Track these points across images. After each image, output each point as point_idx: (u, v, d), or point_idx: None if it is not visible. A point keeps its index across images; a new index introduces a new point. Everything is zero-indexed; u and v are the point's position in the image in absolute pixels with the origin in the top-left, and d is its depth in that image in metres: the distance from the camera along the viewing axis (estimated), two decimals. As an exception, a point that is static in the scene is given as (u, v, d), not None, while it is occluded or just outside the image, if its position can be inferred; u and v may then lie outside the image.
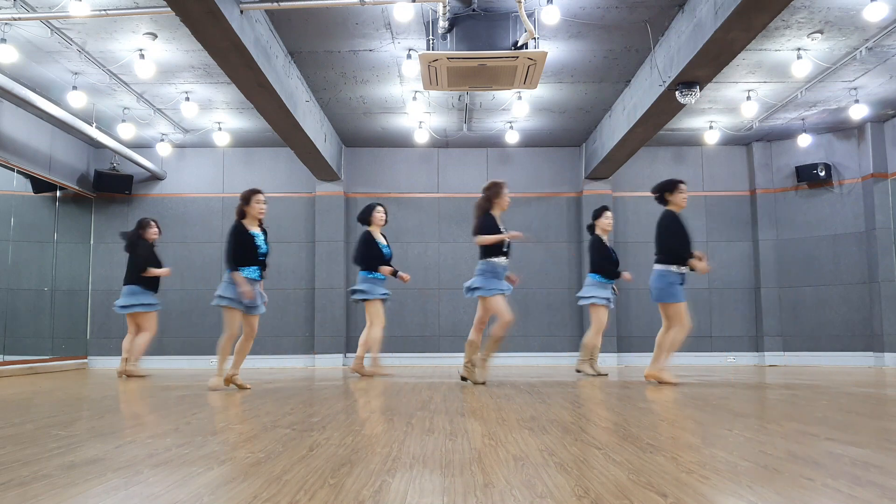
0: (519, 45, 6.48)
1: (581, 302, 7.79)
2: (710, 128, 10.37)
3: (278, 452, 2.69)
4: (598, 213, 7.73)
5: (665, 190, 6.38)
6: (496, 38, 6.53)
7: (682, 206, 6.34)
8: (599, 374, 7.68)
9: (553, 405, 4.43)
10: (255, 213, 5.93)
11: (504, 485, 2.11)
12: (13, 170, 9.25)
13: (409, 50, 7.62)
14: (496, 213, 6.43)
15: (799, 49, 7.58)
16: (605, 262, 7.57)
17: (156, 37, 7.21)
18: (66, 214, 10.66)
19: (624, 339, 10.96)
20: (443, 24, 6.50)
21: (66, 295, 10.61)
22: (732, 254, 11.33)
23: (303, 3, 6.34)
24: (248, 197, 5.95)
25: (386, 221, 7.93)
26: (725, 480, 2.16)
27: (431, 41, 6.74)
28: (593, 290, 7.57)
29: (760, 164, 11.25)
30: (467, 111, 9.73)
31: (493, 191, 6.42)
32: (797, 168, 10.89)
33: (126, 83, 8.45)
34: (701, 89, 7.25)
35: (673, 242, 6.17)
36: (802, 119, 10.14)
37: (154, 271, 8.07)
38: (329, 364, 10.77)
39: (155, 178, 11.26)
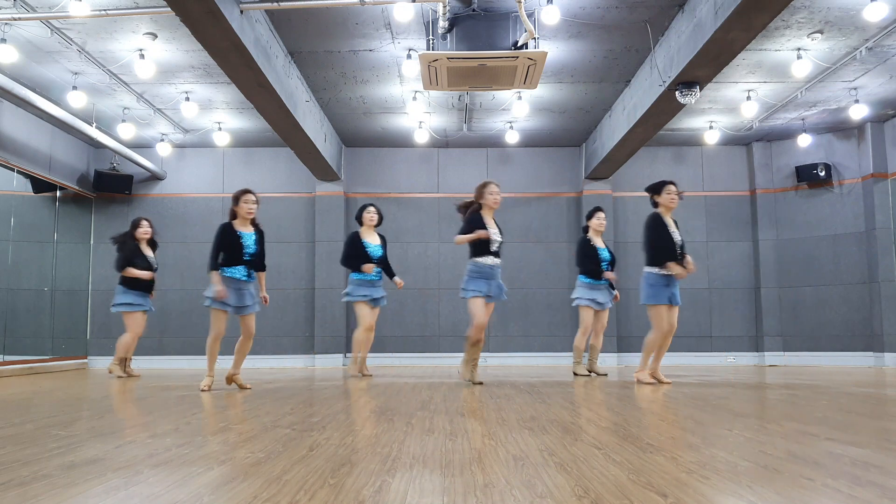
0: (519, 45, 6.48)
1: (573, 303, 7.81)
2: (710, 128, 10.38)
3: (278, 452, 2.69)
4: (590, 214, 7.72)
5: (653, 192, 6.42)
6: (496, 38, 6.53)
7: (670, 206, 6.33)
8: (591, 374, 7.65)
9: (553, 405, 4.43)
10: (244, 213, 5.92)
11: (504, 485, 2.11)
12: (13, 170, 9.25)
13: (409, 50, 7.62)
14: (486, 212, 6.33)
15: (799, 49, 7.58)
16: (588, 263, 7.53)
17: (156, 37, 7.21)
18: (66, 214, 10.66)
19: (624, 339, 10.96)
20: (443, 24, 6.50)
21: (66, 295, 10.61)
22: (732, 254, 11.33)
23: (303, 3, 6.34)
24: (237, 197, 5.96)
25: (379, 222, 7.84)
26: (725, 480, 2.16)
27: (431, 41, 6.74)
28: (579, 290, 7.57)
29: (760, 164, 11.26)
30: (467, 111, 9.73)
31: (478, 190, 6.36)
32: (797, 168, 10.89)
33: (126, 83, 8.45)
34: (701, 89, 7.25)
35: (651, 244, 6.23)
36: (802, 119, 10.15)
37: (132, 272, 7.89)
38: (329, 364, 10.77)
39: (155, 178, 11.26)
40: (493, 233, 6.23)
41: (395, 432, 3.23)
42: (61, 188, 10.35)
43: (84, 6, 6.19)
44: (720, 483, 2.12)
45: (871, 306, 10.33)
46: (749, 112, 9.31)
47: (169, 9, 5.75)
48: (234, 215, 5.96)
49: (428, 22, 6.80)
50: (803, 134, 10.49)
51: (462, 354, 6.78)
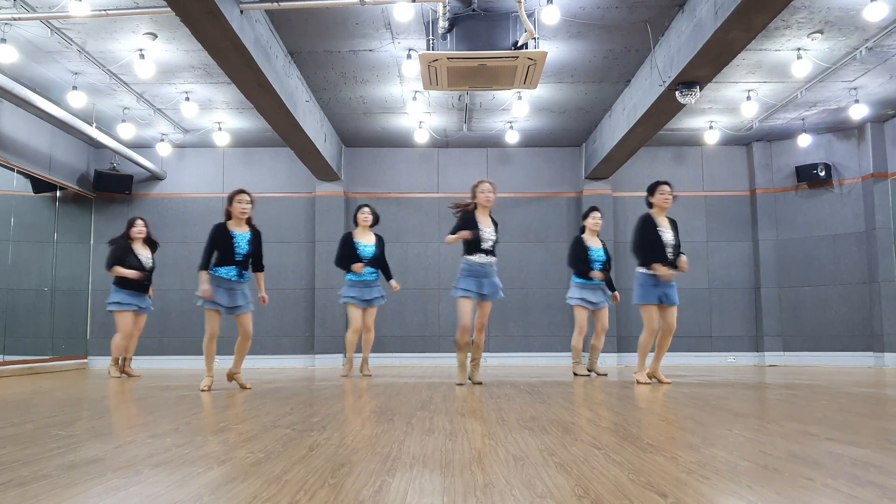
0: (519, 45, 6.47)
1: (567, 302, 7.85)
2: (710, 128, 10.38)
3: (278, 452, 2.69)
4: (586, 214, 7.73)
5: (648, 192, 6.46)
6: (496, 38, 6.53)
7: (664, 206, 6.35)
8: (591, 374, 7.63)
9: (553, 405, 4.43)
10: (237, 213, 5.91)
11: (504, 485, 2.11)
12: (13, 170, 9.25)
13: (409, 50, 7.62)
14: (481, 211, 6.32)
15: (799, 49, 7.58)
16: (577, 262, 7.53)
17: (156, 37, 7.21)
18: (66, 214, 10.66)
19: (624, 339, 10.96)
20: (443, 24, 6.50)
21: (66, 295, 10.61)
22: (732, 254, 11.33)
23: (303, 3, 6.34)
24: (231, 197, 5.97)
25: (374, 222, 7.82)
26: (725, 480, 2.16)
27: (431, 41, 6.74)
28: (572, 290, 7.60)
29: (760, 164, 11.26)
30: (467, 111, 9.73)
31: (472, 190, 6.39)
32: (797, 168, 10.89)
33: (126, 83, 8.45)
34: (701, 89, 7.25)
35: (637, 245, 6.32)
36: (802, 119, 10.15)
37: (118, 270, 7.87)
38: (329, 364, 10.77)
39: (155, 178, 11.26)
40: (486, 231, 6.22)
41: (395, 432, 3.23)
42: (61, 188, 10.35)
43: (84, 6, 6.19)
44: (720, 483, 2.12)
45: (871, 306, 10.32)
46: (749, 112, 9.31)
47: (169, 9, 5.75)
48: (229, 215, 5.97)
49: (428, 22, 6.80)
50: (803, 134, 10.49)
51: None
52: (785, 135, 10.88)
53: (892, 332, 9.98)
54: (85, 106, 8.75)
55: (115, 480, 2.21)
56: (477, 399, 4.91)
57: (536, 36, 6.52)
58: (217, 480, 2.20)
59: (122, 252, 7.97)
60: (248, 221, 6.02)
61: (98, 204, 11.20)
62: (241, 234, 5.93)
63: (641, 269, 6.31)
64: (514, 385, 6.27)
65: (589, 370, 7.73)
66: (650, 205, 6.42)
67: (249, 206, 5.94)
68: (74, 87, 8.31)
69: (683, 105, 7.58)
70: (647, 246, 6.25)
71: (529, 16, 6.29)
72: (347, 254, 7.66)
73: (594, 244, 7.55)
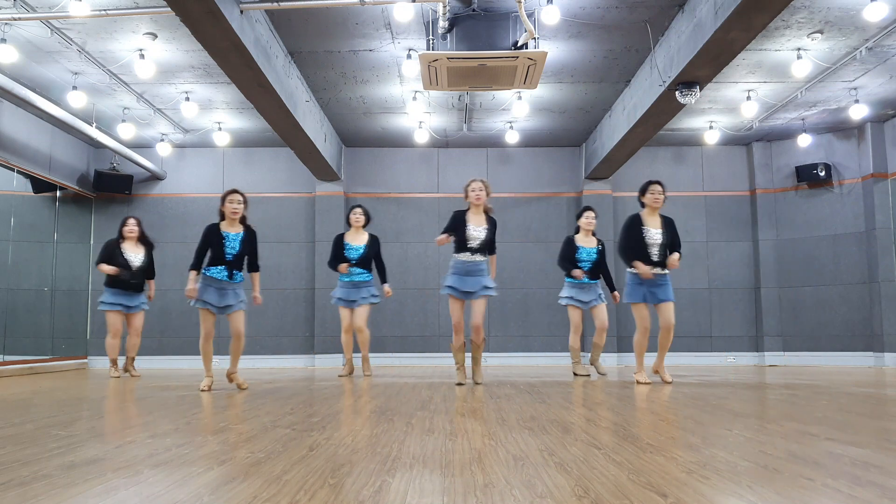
0: (519, 45, 6.47)
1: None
2: (710, 128, 10.38)
3: (278, 452, 2.69)
4: (579, 213, 7.74)
5: (639, 192, 6.50)
6: (496, 38, 6.53)
7: (654, 206, 6.37)
8: (588, 375, 7.63)
9: (553, 405, 4.43)
10: (229, 213, 5.92)
11: (504, 485, 2.11)
12: (13, 170, 9.25)
13: (409, 50, 7.62)
14: (473, 210, 6.34)
15: (799, 49, 7.58)
16: (562, 261, 7.58)
17: (156, 37, 7.21)
18: (66, 214, 10.66)
19: (624, 339, 10.95)
20: (443, 24, 6.50)
21: (66, 295, 10.61)
22: (732, 254, 11.33)
23: (303, 3, 6.34)
24: (223, 197, 5.98)
25: (366, 223, 7.81)
26: (725, 480, 2.16)
27: (431, 41, 6.74)
28: (564, 290, 7.63)
29: (760, 164, 11.26)
30: (467, 111, 9.73)
31: (464, 189, 6.44)
32: (797, 168, 10.89)
33: (126, 83, 8.45)
34: (701, 89, 7.25)
35: (620, 244, 6.44)
36: (802, 119, 10.15)
37: (102, 268, 7.96)
38: (329, 364, 10.77)
39: (155, 178, 11.26)
40: (473, 231, 6.25)
41: (395, 432, 3.23)
42: (61, 188, 10.35)
43: (84, 6, 6.19)
44: (720, 483, 2.12)
45: (871, 306, 10.33)
46: (749, 112, 9.31)
47: (169, 9, 5.75)
48: (222, 216, 5.97)
49: (428, 22, 6.80)
50: (803, 134, 10.49)
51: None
52: (785, 135, 10.88)
53: (892, 332, 9.98)
54: (85, 106, 8.75)
55: (115, 480, 2.21)
56: (477, 399, 4.91)
57: (536, 36, 6.52)
58: (217, 480, 2.20)
59: (109, 251, 8.03)
60: (243, 221, 6.01)
61: (98, 204, 11.20)
62: (233, 234, 5.93)
63: (629, 269, 6.39)
64: (514, 385, 6.27)
65: (591, 364, 7.74)
66: (642, 204, 6.45)
67: (241, 205, 5.93)
68: (74, 87, 8.31)
69: (683, 105, 7.58)
70: (629, 245, 6.34)
71: (529, 16, 6.29)
72: (336, 254, 7.71)
73: (588, 244, 7.55)
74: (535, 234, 11.33)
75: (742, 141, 11.17)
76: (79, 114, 9.07)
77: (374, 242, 7.81)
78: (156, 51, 7.53)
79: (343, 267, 7.59)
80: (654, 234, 6.31)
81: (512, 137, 10.55)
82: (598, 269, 7.54)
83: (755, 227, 11.25)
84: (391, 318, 11.11)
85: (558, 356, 10.83)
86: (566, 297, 7.55)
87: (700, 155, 11.49)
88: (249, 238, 6.01)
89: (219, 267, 5.86)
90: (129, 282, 8.01)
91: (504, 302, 11.05)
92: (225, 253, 5.86)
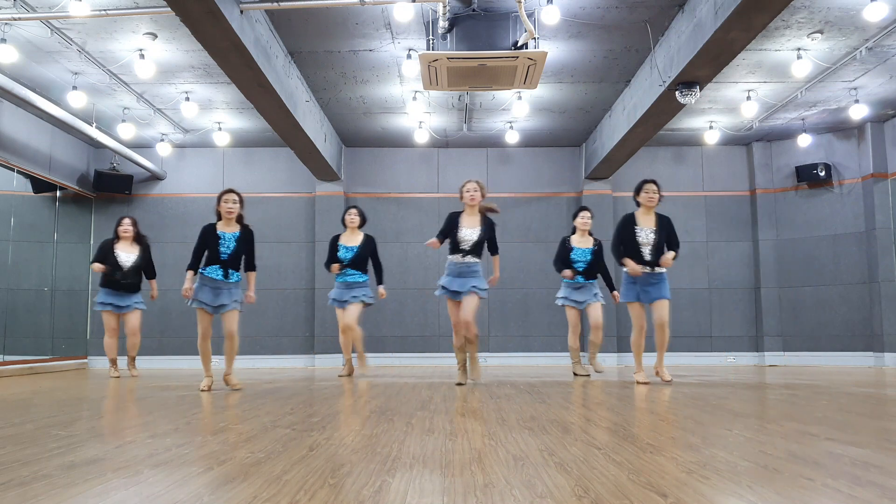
0: (519, 45, 6.47)
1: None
2: (710, 128, 10.38)
3: (278, 452, 2.69)
4: (575, 214, 7.76)
5: (634, 192, 6.52)
6: (496, 38, 6.53)
7: (648, 205, 6.37)
8: (587, 375, 7.64)
9: (553, 405, 4.43)
10: (224, 213, 5.94)
11: (504, 485, 2.11)
12: (13, 170, 9.25)
13: (409, 50, 7.62)
14: (467, 211, 6.34)
15: (799, 49, 7.58)
16: (555, 262, 7.63)
17: (156, 37, 7.21)
18: (66, 214, 10.66)
19: (624, 339, 10.95)
20: (443, 24, 6.50)
21: (66, 295, 10.61)
22: (732, 254, 11.33)
23: (303, 3, 6.34)
24: (218, 197, 5.99)
25: (361, 223, 7.79)
26: (725, 480, 2.16)
27: (431, 41, 6.74)
28: (560, 290, 7.69)
29: (760, 164, 11.26)
30: (467, 111, 9.73)
31: (459, 190, 6.45)
32: (797, 168, 10.89)
33: (126, 83, 8.45)
34: (701, 89, 7.25)
35: (612, 243, 6.51)
36: (802, 119, 10.15)
37: (93, 266, 8.00)
38: (329, 364, 10.76)
39: (155, 178, 11.26)
40: (465, 232, 6.26)
41: (395, 432, 3.23)
42: (61, 188, 10.35)
43: (84, 6, 6.19)
44: (720, 483, 2.12)
45: (871, 306, 10.33)
46: (749, 112, 9.32)
47: (169, 9, 5.75)
48: (219, 216, 5.99)
49: (428, 22, 6.79)
50: (803, 134, 10.49)
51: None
52: (785, 135, 10.88)
53: (892, 332, 9.98)
54: (85, 106, 8.75)
55: (115, 480, 2.21)
56: (477, 399, 4.91)
57: (536, 36, 6.52)
58: (217, 480, 2.20)
59: (103, 251, 8.04)
60: (240, 221, 6.01)
61: (98, 204, 11.20)
62: (229, 233, 5.94)
63: (624, 269, 6.43)
64: (514, 385, 6.27)
65: (589, 363, 7.75)
66: (637, 204, 6.46)
67: (237, 205, 5.93)
68: (74, 87, 8.31)
69: (683, 105, 7.58)
70: (619, 244, 6.41)
71: (529, 16, 6.29)
72: (331, 256, 7.73)
73: (583, 244, 7.55)
74: (535, 234, 11.33)
75: (742, 141, 11.17)
76: (79, 114, 9.07)
77: (368, 243, 7.75)
78: (156, 51, 7.53)
79: (334, 268, 7.62)
80: (646, 233, 6.32)
81: (512, 137, 10.55)
82: (594, 268, 7.54)
83: (755, 227, 11.25)
84: (391, 318, 11.11)
85: (558, 356, 10.83)
86: (562, 298, 7.62)
87: (700, 155, 11.49)
88: (245, 237, 6.00)
89: (214, 266, 5.87)
90: (120, 282, 7.95)
91: (504, 302, 11.05)
92: (220, 252, 5.87)
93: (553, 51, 7.61)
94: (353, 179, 11.47)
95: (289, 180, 11.37)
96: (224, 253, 5.88)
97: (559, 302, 7.64)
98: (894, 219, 10.15)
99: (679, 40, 6.91)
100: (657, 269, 6.33)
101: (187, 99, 8.96)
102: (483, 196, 6.36)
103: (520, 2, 5.94)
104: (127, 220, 8.17)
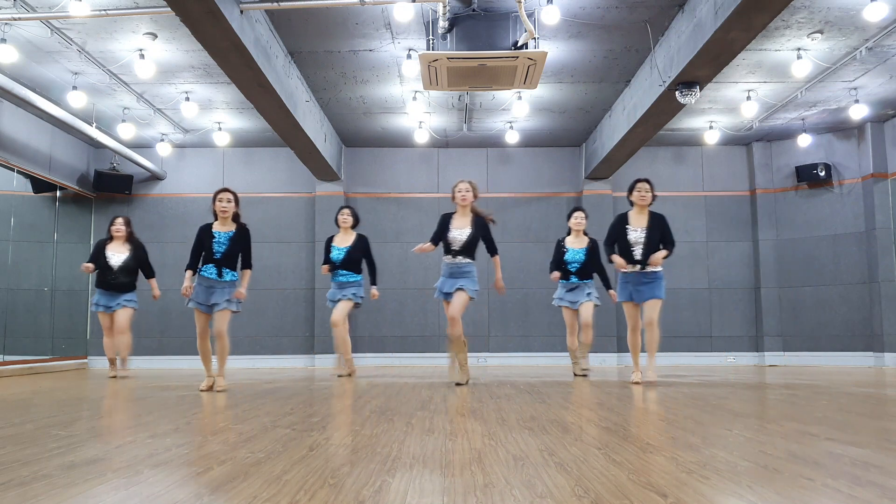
0: (519, 45, 6.47)
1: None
2: (710, 128, 10.38)
3: (278, 452, 2.69)
4: (569, 215, 7.78)
5: (627, 191, 6.52)
6: (496, 38, 6.53)
7: (640, 204, 6.36)
8: (579, 374, 7.65)
9: (553, 405, 4.43)
10: (218, 212, 5.95)
11: (504, 485, 2.11)
12: (13, 170, 9.25)
13: (409, 50, 7.62)
14: (460, 212, 6.33)
15: (799, 49, 7.58)
16: (551, 264, 7.70)
17: (156, 37, 7.21)
18: (66, 214, 10.66)
19: (624, 339, 10.94)
20: (443, 24, 6.50)
21: (66, 295, 10.61)
22: (732, 254, 11.33)
23: (303, 3, 6.34)
24: (214, 196, 6.00)
25: (354, 224, 7.79)
26: (725, 480, 2.16)
27: (431, 41, 6.74)
28: (556, 291, 7.74)
29: (760, 164, 11.26)
30: (467, 111, 9.73)
31: (451, 190, 6.44)
32: (797, 168, 10.89)
33: (126, 83, 8.45)
34: (701, 89, 7.25)
35: (605, 242, 6.56)
36: (802, 119, 10.15)
37: (82, 266, 7.95)
38: (329, 364, 10.75)
39: (155, 178, 11.26)
40: (456, 234, 6.24)
41: (395, 432, 3.23)
42: (61, 188, 10.34)
43: (84, 6, 6.19)
44: (720, 483, 2.12)
45: (871, 306, 10.33)
46: (749, 112, 9.31)
47: (169, 9, 5.75)
48: (216, 215, 6.00)
49: (428, 22, 6.79)
50: (803, 134, 10.49)
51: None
52: (785, 135, 10.88)
53: (892, 332, 9.98)
54: (85, 106, 8.75)
55: (115, 480, 2.21)
56: (477, 399, 4.91)
57: (536, 36, 6.52)
58: (217, 480, 2.20)
59: (95, 250, 8.02)
60: (237, 220, 6.01)
61: (98, 204, 11.20)
62: (223, 232, 5.95)
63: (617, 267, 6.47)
64: (514, 385, 6.27)
65: (587, 368, 7.75)
66: (631, 203, 6.45)
67: (230, 204, 5.94)
68: (74, 87, 8.31)
69: (683, 105, 7.58)
70: (609, 243, 6.46)
71: (529, 16, 6.29)
72: (324, 256, 7.75)
73: (578, 245, 7.58)
74: (535, 234, 11.33)
75: (742, 141, 11.17)
76: (79, 114, 9.07)
77: (359, 243, 7.73)
78: (156, 51, 7.53)
79: (324, 269, 7.69)
80: (637, 232, 6.30)
81: (512, 137, 10.55)
82: (589, 268, 7.53)
83: (755, 227, 11.25)
84: (391, 318, 11.11)
85: (558, 356, 10.82)
86: (557, 299, 7.69)
87: (700, 155, 11.49)
88: (240, 236, 5.98)
89: (209, 265, 5.91)
90: (110, 281, 7.91)
91: (504, 302, 11.05)
92: (214, 251, 5.89)
93: (553, 51, 7.61)
94: (353, 179, 11.47)
95: (289, 180, 11.37)
96: (217, 252, 5.89)
97: (555, 303, 7.71)
98: (894, 219, 10.15)
99: (679, 40, 6.91)
100: (649, 269, 6.29)
101: (187, 99, 8.96)
102: (475, 196, 6.33)
103: (520, 2, 5.94)
104: (119, 220, 8.09)
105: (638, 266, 6.27)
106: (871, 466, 2.34)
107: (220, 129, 10.30)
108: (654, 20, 7.07)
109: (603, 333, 10.99)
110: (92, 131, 9.26)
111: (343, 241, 7.72)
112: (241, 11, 6.07)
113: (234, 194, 6.00)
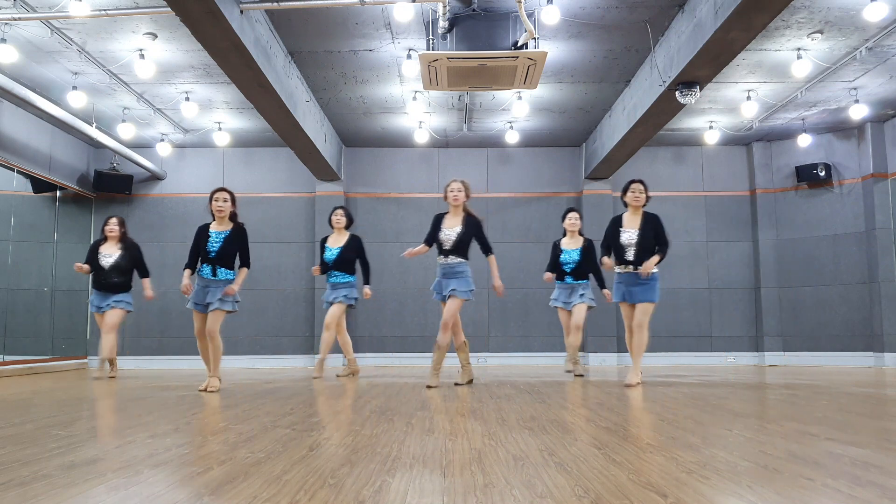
0: (519, 45, 6.47)
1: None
2: (710, 128, 10.38)
3: (278, 452, 2.69)
4: (563, 216, 7.79)
5: (622, 192, 6.49)
6: (496, 38, 6.53)
7: (634, 205, 6.34)
8: (571, 372, 7.69)
9: (553, 405, 4.43)
10: (214, 211, 5.97)
11: (504, 485, 2.11)
12: (13, 170, 9.25)
13: (409, 50, 7.62)
14: (452, 211, 6.30)
15: (799, 49, 7.58)
16: (547, 265, 7.73)
17: (156, 37, 7.21)
18: (66, 214, 10.65)
19: (623, 339, 10.95)
20: (443, 24, 6.50)
21: (66, 295, 10.61)
22: (732, 254, 11.33)
23: (303, 3, 6.34)
24: (210, 196, 6.02)
25: (348, 224, 7.78)
26: (725, 480, 2.16)
27: (431, 41, 6.74)
28: (553, 292, 7.75)
29: (760, 164, 11.26)
30: (467, 111, 9.73)
31: (443, 190, 6.42)
32: (797, 168, 10.89)
33: (126, 83, 8.45)
34: (701, 89, 7.25)
35: (601, 244, 6.59)
36: (802, 119, 10.15)
37: (77, 265, 7.87)
38: (329, 364, 10.75)
39: (155, 178, 11.26)
40: (446, 233, 6.21)
41: (395, 432, 3.23)
42: (61, 188, 10.34)
43: (84, 6, 6.19)
44: (720, 483, 2.12)
45: (871, 306, 10.32)
46: (749, 112, 9.31)
47: (169, 9, 5.75)
48: (213, 215, 6.02)
49: (428, 22, 6.79)
50: (803, 134, 10.49)
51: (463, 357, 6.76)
52: (785, 135, 10.88)
53: (892, 332, 9.98)
54: (85, 106, 8.74)
55: (115, 480, 2.21)
56: (477, 399, 4.91)
57: (536, 36, 6.52)
58: (217, 480, 2.20)
59: (90, 251, 8.00)
60: (234, 219, 6.02)
61: (98, 204, 11.19)
62: (218, 231, 5.97)
63: (615, 268, 6.48)
64: (514, 385, 6.27)
65: (571, 369, 7.77)
66: (625, 204, 6.43)
67: (227, 203, 5.95)
68: (74, 87, 8.31)
69: (683, 105, 7.58)
70: (603, 246, 6.50)
71: (529, 16, 6.29)
72: (320, 257, 7.77)
73: (572, 245, 7.60)
74: (535, 234, 11.33)
75: (742, 141, 11.17)
76: (79, 114, 9.07)
77: (352, 244, 7.70)
78: (156, 51, 7.53)
79: (314, 270, 7.71)
80: (630, 234, 6.28)
81: (512, 137, 10.55)
82: (584, 268, 7.53)
83: (755, 227, 11.25)
84: (391, 318, 11.11)
85: (558, 356, 10.82)
86: (553, 300, 7.73)
87: (700, 155, 11.49)
88: (235, 235, 5.97)
89: (205, 265, 5.94)
90: (101, 281, 7.85)
91: (504, 302, 11.05)
92: (208, 251, 5.91)
93: (553, 51, 7.61)
94: (353, 179, 11.47)
95: (289, 180, 11.37)
96: (212, 251, 5.90)
97: (551, 304, 7.76)
98: (894, 219, 10.15)
99: (679, 40, 6.91)
100: (637, 270, 6.26)
101: (187, 99, 8.96)
102: (467, 196, 6.28)
103: (520, 2, 5.93)
104: (113, 220, 8.02)
105: (630, 266, 6.25)
106: (871, 466, 2.34)
107: (220, 129, 10.30)
108: (654, 20, 7.07)
109: (603, 333, 11.00)
110: (92, 131, 9.26)
111: (336, 242, 7.72)
112: (241, 11, 6.07)
113: (231, 194, 6.01)
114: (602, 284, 7.73)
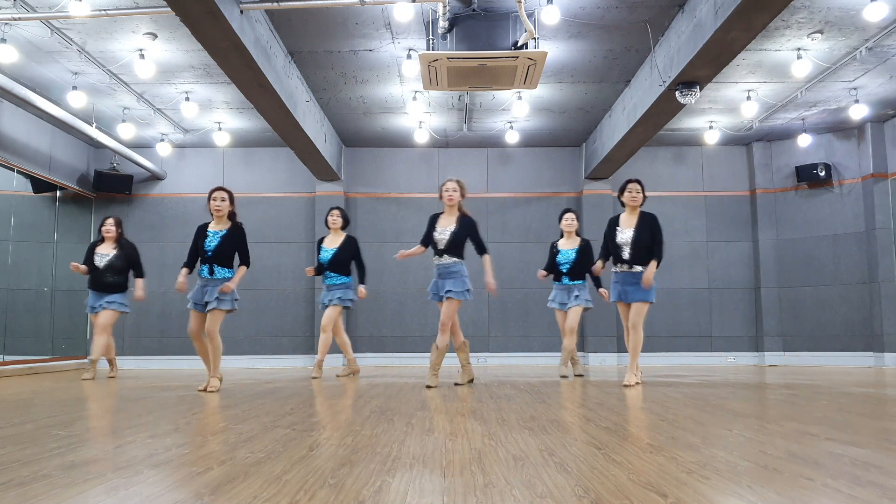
0: (519, 45, 6.47)
1: None
2: (710, 128, 10.38)
3: (278, 452, 2.69)
4: (559, 217, 7.79)
5: (618, 192, 6.49)
6: (496, 38, 6.53)
7: (631, 205, 6.34)
8: (581, 375, 7.70)
9: (553, 405, 4.43)
10: (212, 211, 5.98)
11: (504, 485, 2.11)
12: (13, 170, 9.25)
13: (409, 50, 7.62)
14: (447, 211, 6.29)
15: (799, 49, 7.58)
16: (546, 266, 7.74)
17: (156, 37, 7.21)
18: (66, 214, 10.65)
19: (622, 339, 10.95)
20: (443, 24, 6.50)
21: (66, 295, 10.61)
22: (732, 254, 11.33)
23: (303, 3, 6.34)
24: (208, 195, 6.03)
25: (344, 225, 7.78)
26: (725, 480, 2.16)
27: (431, 41, 6.74)
28: (551, 293, 7.75)
29: (760, 164, 11.26)
30: (467, 111, 9.73)
31: (439, 190, 6.42)
32: (797, 168, 10.89)
33: (126, 83, 8.45)
34: (701, 89, 7.25)
35: (601, 246, 6.64)
36: (802, 119, 10.15)
37: (73, 265, 7.84)
38: (329, 364, 10.75)
39: (155, 178, 11.26)
40: (440, 233, 6.21)
41: (395, 432, 3.23)
42: (61, 188, 10.34)
43: (84, 6, 6.19)
44: (720, 483, 2.12)
45: (871, 306, 10.32)
46: (749, 112, 9.31)
47: (169, 9, 5.75)
48: (212, 214, 6.04)
49: (428, 22, 6.79)
50: (803, 134, 10.49)
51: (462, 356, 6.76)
52: (785, 135, 10.88)
53: (892, 332, 9.98)
54: (85, 106, 8.74)
55: (115, 480, 2.21)
56: (477, 399, 4.91)
57: (536, 36, 6.52)
58: (217, 480, 2.20)
59: (87, 252, 7.99)
60: (232, 218, 6.02)
61: (98, 204, 11.19)
62: (216, 231, 5.98)
63: (613, 269, 6.48)
64: (514, 385, 6.27)
65: (565, 374, 7.75)
66: (622, 204, 6.43)
67: (224, 202, 5.96)
68: (74, 87, 8.31)
69: (683, 105, 7.58)
70: (603, 247, 6.54)
71: (529, 16, 6.29)
72: (316, 258, 7.78)
73: (569, 246, 7.60)
74: (535, 234, 11.33)
75: (742, 141, 11.17)
76: (79, 114, 9.07)
77: (347, 244, 7.71)
78: (156, 51, 7.53)
79: (308, 271, 7.71)
80: (626, 233, 6.29)
81: (512, 137, 10.55)
82: (580, 268, 7.52)
83: (755, 227, 11.25)
84: (391, 318, 11.11)
85: (558, 356, 10.80)
86: (550, 300, 7.75)
87: (700, 155, 11.49)
88: (232, 235, 5.97)
89: (202, 264, 5.97)
90: (96, 281, 7.82)
91: (504, 302, 11.05)
92: (205, 250, 5.93)
93: (553, 51, 7.61)
94: (353, 179, 11.47)
95: (289, 180, 11.37)
96: (209, 250, 5.92)
97: (548, 304, 7.78)
98: (894, 219, 10.15)
99: (679, 40, 6.91)
100: (635, 268, 6.25)
101: (187, 99, 8.96)
102: (463, 196, 6.27)
103: (520, 2, 5.93)
104: (109, 221, 8.00)
105: (626, 266, 6.26)
106: (871, 466, 2.34)
107: (220, 129, 10.30)
108: (654, 20, 7.07)
109: (603, 333, 11.00)
110: (92, 131, 9.26)
111: (332, 243, 7.72)
112: (241, 11, 6.07)
113: (229, 193, 6.01)
114: (598, 284, 7.72)
